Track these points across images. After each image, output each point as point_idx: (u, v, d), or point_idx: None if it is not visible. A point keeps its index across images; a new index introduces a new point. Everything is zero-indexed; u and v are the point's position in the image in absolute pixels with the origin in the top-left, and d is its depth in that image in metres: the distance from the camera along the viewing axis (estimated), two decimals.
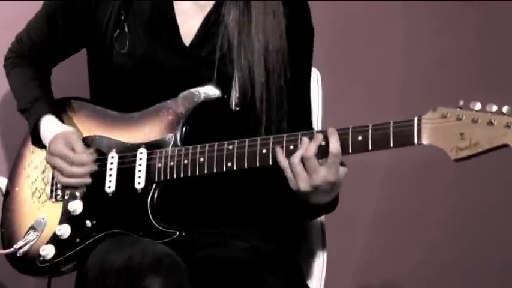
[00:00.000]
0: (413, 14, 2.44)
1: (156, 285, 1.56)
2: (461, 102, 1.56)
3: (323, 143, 1.61)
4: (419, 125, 1.57)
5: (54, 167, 1.76)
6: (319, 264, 1.88)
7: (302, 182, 1.62)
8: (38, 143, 1.81)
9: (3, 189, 1.85)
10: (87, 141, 1.78)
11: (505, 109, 1.52)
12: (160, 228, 1.70)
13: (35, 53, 1.89)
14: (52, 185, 1.80)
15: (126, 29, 1.78)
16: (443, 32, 2.47)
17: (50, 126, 1.79)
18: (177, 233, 1.68)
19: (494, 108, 1.53)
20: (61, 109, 1.84)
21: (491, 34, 2.54)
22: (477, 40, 2.52)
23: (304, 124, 1.77)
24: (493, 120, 1.52)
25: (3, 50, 1.93)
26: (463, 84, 2.46)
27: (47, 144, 1.78)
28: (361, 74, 2.39)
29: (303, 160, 1.61)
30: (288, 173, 1.62)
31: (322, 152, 1.61)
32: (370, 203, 2.35)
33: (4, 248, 1.78)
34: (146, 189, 1.72)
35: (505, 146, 1.51)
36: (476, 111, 1.54)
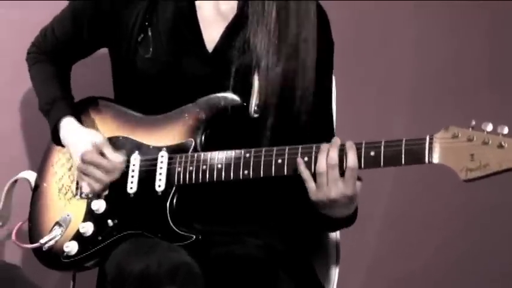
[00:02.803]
0: (423, 15, 2.39)
1: None
2: (473, 123, 1.50)
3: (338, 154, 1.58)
4: (430, 143, 1.52)
5: (87, 174, 1.71)
6: (332, 262, 1.84)
7: (321, 193, 1.57)
8: (58, 143, 1.77)
9: (32, 183, 1.82)
10: (111, 142, 1.73)
11: None
12: (178, 231, 1.66)
13: (58, 50, 1.84)
14: (77, 184, 1.76)
15: (150, 34, 1.73)
16: (453, 34, 2.41)
17: (70, 128, 1.74)
18: (194, 237, 1.65)
19: (506, 130, 1.47)
20: (85, 109, 1.80)
21: (501, 35, 2.47)
22: (487, 41, 2.46)
23: (326, 133, 1.72)
24: (503, 143, 1.46)
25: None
26: (472, 85, 2.41)
27: (66, 145, 1.74)
28: (372, 75, 2.34)
29: (327, 169, 1.56)
30: (310, 184, 1.58)
31: (339, 166, 1.57)
32: (380, 204, 2.33)
33: (30, 241, 1.76)
34: (166, 192, 1.68)
35: None
36: (487, 132, 1.49)
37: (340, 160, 1.57)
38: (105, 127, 1.76)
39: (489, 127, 1.48)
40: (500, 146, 1.46)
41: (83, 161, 1.71)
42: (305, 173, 1.59)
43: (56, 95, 1.79)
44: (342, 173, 1.57)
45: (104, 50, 1.80)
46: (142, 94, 1.75)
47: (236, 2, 1.72)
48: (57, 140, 1.76)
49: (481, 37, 2.43)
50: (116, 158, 1.70)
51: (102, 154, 1.70)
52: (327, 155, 1.57)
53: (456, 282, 2.44)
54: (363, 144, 1.57)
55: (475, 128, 1.50)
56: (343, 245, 1.84)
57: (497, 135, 1.47)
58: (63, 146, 1.77)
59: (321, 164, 1.57)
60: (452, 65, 2.40)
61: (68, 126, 1.75)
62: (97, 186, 1.71)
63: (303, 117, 1.69)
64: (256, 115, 1.68)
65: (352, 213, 1.64)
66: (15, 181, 1.82)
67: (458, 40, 2.40)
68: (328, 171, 1.56)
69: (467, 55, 2.41)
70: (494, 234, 2.47)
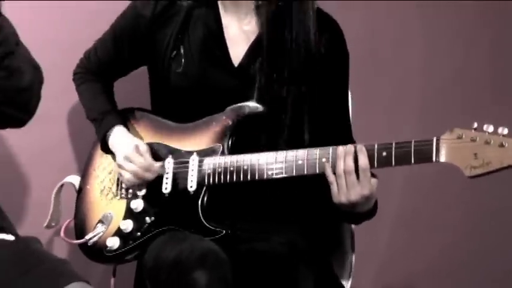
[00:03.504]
0: (431, 29, 2.36)
1: (203, 277, 1.53)
2: (475, 125, 1.50)
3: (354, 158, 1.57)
4: (437, 144, 1.52)
5: (123, 169, 1.72)
6: (348, 256, 1.82)
7: (343, 196, 1.58)
8: (106, 149, 1.78)
9: (77, 186, 1.83)
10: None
11: None
12: (209, 226, 1.66)
13: (102, 70, 1.85)
14: (117, 185, 1.77)
15: (182, 51, 1.74)
16: (458, 46, 2.38)
17: (119, 135, 1.76)
18: (223, 231, 1.65)
19: (506, 131, 1.47)
20: (126, 118, 1.81)
21: (503, 53, 2.45)
22: (489, 53, 2.42)
23: (344, 139, 1.70)
24: (504, 143, 1.46)
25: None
26: (474, 92, 2.39)
27: (114, 151, 1.75)
28: (384, 84, 2.33)
29: (345, 173, 1.57)
30: (334, 187, 1.59)
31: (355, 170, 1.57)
32: (392, 204, 2.30)
33: (76, 237, 1.77)
34: (197, 191, 1.68)
35: None
36: (489, 133, 1.49)
37: (355, 163, 1.57)
38: (143, 134, 1.77)
39: (490, 128, 1.48)
40: (501, 145, 1.46)
41: (125, 158, 1.71)
42: (331, 177, 1.59)
43: (105, 109, 1.80)
44: (357, 175, 1.57)
45: (143, 67, 1.81)
46: (175, 105, 1.75)
47: (258, 22, 1.72)
48: (105, 146, 1.77)
49: (484, 50, 2.40)
50: (149, 157, 1.69)
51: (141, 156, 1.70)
52: (344, 162, 1.57)
53: (461, 277, 2.41)
54: (376, 146, 1.57)
55: (477, 129, 1.49)
56: (357, 241, 1.82)
57: (498, 136, 1.47)
58: (109, 152, 1.77)
59: (340, 170, 1.58)
60: (457, 74, 2.37)
61: (118, 133, 1.75)
62: (134, 180, 1.70)
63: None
64: (275, 121, 1.68)
65: (373, 207, 1.63)
66: (62, 185, 1.82)
67: (463, 52, 2.38)
68: (346, 177, 1.57)
69: (470, 65, 2.38)
70: (500, 234, 2.43)
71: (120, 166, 1.73)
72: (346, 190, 1.57)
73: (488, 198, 2.33)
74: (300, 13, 1.67)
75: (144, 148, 1.72)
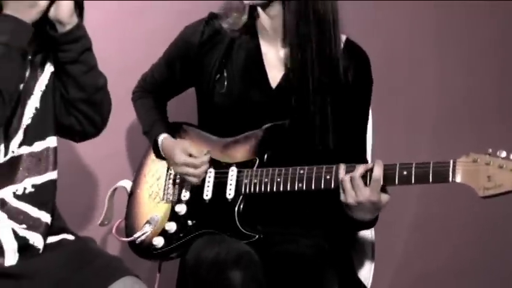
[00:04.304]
0: (444, 57, 2.35)
1: (237, 276, 1.54)
2: (490, 150, 1.49)
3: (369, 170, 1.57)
4: (454, 166, 1.51)
5: (183, 174, 1.72)
6: (369, 258, 1.81)
7: (350, 197, 1.57)
8: (159, 155, 1.78)
9: (129, 189, 1.83)
10: None
11: None
12: (244, 231, 1.66)
13: (156, 90, 1.86)
14: (164, 190, 1.77)
15: (225, 74, 1.74)
16: (469, 75, 2.37)
17: (165, 141, 1.76)
18: (257, 236, 1.65)
19: None
20: (176, 130, 1.81)
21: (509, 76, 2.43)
22: (498, 82, 2.40)
23: (359, 157, 1.70)
24: None
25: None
26: (484, 118, 2.37)
27: (167, 158, 1.76)
28: (404, 110, 2.32)
29: (351, 179, 1.56)
30: (342, 187, 1.58)
31: (370, 178, 1.57)
32: (408, 213, 2.29)
33: (126, 236, 1.77)
34: (235, 199, 1.68)
35: None
36: (502, 158, 1.47)
37: (370, 172, 1.56)
38: (196, 147, 1.75)
39: (503, 154, 1.47)
40: None
41: (176, 163, 1.71)
42: (342, 177, 1.57)
43: (155, 119, 1.81)
44: (369, 182, 1.56)
45: (191, 88, 1.82)
46: (218, 121, 1.75)
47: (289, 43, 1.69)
48: (157, 152, 1.78)
49: (493, 74, 2.38)
50: (200, 153, 1.70)
51: (190, 155, 1.71)
52: (357, 169, 1.56)
53: (471, 276, 2.39)
54: (398, 165, 1.55)
55: (491, 154, 1.48)
56: (378, 244, 1.81)
57: (510, 161, 1.46)
58: (162, 157, 1.77)
59: (354, 173, 1.56)
60: (468, 95, 2.36)
61: (165, 140, 1.76)
62: (194, 180, 1.71)
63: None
64: (308, 139, 1.67)
65: (373, 219, 1.62)
66: (115, 189, 1.83)
67: (474, 75, 2.36)
68: (352, 181, 1.55)
69: (480, 87, 2.37)
70: (505, 236, 2.41)
71: (182, 175, 1.72)
72: (354, 191, 1.55)
73: (496, 206, 2.26)
74: (326, 47, 1.67)
75: (188, 146, 1.71)
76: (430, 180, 1.52)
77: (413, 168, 1.54)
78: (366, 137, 1.78)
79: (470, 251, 2.38)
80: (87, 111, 1.50)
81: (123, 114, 1.97)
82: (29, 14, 1.40)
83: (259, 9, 1.70)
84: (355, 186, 1.56)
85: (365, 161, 1.72)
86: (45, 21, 1.44)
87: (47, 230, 1.48)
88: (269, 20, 1.71)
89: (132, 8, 2.07)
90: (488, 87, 2.38)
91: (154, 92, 1.86)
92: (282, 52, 1.74)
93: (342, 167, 1.59)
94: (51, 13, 1.43)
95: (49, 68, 1.50)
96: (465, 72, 2.36)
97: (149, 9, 2.08)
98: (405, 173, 1.54)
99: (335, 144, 1.70)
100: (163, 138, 1.76)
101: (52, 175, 1.50)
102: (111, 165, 2.08)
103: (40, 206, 1.47)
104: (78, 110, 1.49)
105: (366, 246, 1.81)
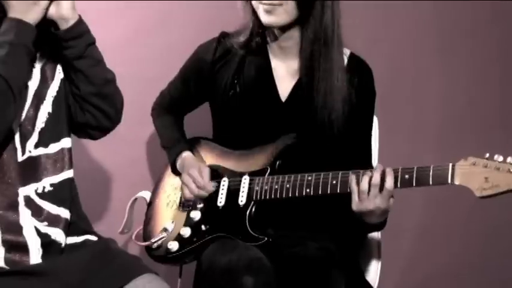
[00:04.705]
0: (447, 68, 2.35)
1: (249, 281, 1.54)
2: (487, 154, 1.49)
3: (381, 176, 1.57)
4: (453, 169, 1.51)
5: (185, 184, 1.74)
6: (375, 261, 1.80)
7: (362, 205, 1.57)
8: (175, 170, 1.80)
9: (148, 199, 1.85)
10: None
11: None
12: (254, 234, 1.66)
13: (173, 105, 1.88)
14: (180, 199, 1.78)
15: (238, 89, 1.76)
16: (471, 85, 2.37)
17: (186, 159, 1.79)
18: (265, 238, 1.65)
19: None
20: (193, 144, 1.83)
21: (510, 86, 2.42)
22: (499, 91, 2.40)
23: (364, 162, 1.70)
24: (511, 170, 1.45)
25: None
26: (486, 126, 2.37)
27: (181, 172, 1.77)
28: (406, 118, 2.32)
29: (369, 187, 1.56)
30: (355, 197, 1.58)
31: (382, 187, 1.57)
32: (413, 218, 2.29)
33: (145, 240, 1.78)
34: (246, 205, 1.69)
35: None
36: (499, 162, 1.47)
37: (381, 181, 1.56)
38: (205, 157, 1.79)
39: (500, 158, 1.47)
40: (509, 172, 1.45)
41: (188, 173, 1.73)
42: (355, 189, 1.58)
43: (176, 137, 1.83)
44: (381, 190, 1.56)
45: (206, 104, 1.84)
46: (233, 133, 1.76)
47: (302, 63, 1.73)
48: (174, 168, 1.79)
49: (495, 84, 2.38)
50: (206, 180, 1.71)
51: (201, 176, 1.72)
52: (371, 177, 1.57)
53: (472, 278, 2.37)
54: (400, 169, 1.56)
55: (489, 158, 1.48)
56: (382, 248, 1.80)
57: (506, 163, 1.46)
58: (177, 173, 1.78)
59: (365, 184, 1.57)
60: (470, 104, 2.36)
61: (185, 158, 1.77)
62: (188, 195, 1.73)
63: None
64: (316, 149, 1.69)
65: (382, 222, 1.63)
66: (136, 199, 1.84)
67: (476, 89, 2.36)
68: (370, 189, 1.56)
69: (482, 97, 2.36)
70: (505, 240, 2.39)
71: (183, 182, 1.75)
72: (366, 200, 1.56)
73: (498, 211, 2.27)
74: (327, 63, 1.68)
75: (205, 171, 1.73)
76: (430, 182, 1.52)
77: (414, 172, 1.54)
78: (371, 144, 1.78)
79: (473, 254, 2.36)
80: (100, 104, 1.49)
81: (143, 126, 2.01)
82: (31, 14, 1.41)
83: (276, 31, 1.71)
84: (371, 194, 1.56)
85: (370, 167, 1.71)
86: (48, 24, 1.44)
87: (67, 226, 1.49)
88: (284, 39, 1.72)
89: (149, 25, 2.10)
90: (490, 97, 2.37)
91: (171, 108, 1.88)
92: (290, 66, 1.75)
93: (353, 178, 1.59)
94: (53, 11, 1.43)
95: (59, 76, 1.51)
96: (468, 82, 2.36)
97: (166, 26, 2.10)
98: (407, 176, 1.55)
99: (342, 152, 1.70)
100: (185, 155, 1.78)
101: (68, 174, 1.51)
102: (132, 173, 2.10)
103: (59, 203, 1.48)
104: (91, 104, 1.49)
105: (373, 248, 1.80)
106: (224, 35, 1.79)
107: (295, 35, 1.71)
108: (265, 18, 1.68)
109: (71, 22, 1.44)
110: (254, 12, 1.71)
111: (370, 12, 2.24)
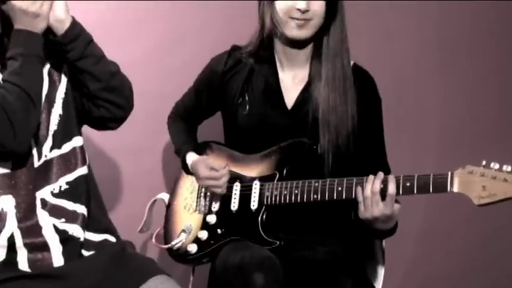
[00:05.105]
0: (448, 80, 2.35)
1: (260, 278, 1.56)
2: (484, 162, 1.48)
3: (382, 185, 1.57)
4: (451, 178, 1.51)
5: (207, 186, 1.75)
6: (379, 264, 1.80)
7: (368, 212, 1.58)
8: (187, 171, 1.81)
9: (166, 201, 1.86)
10: None
11: None
12: (267, 238, 1.68)
13: (187, 114, 1.90)
14: (196, 202, 1.80)
15: (247, 98, 1.77)
16: (469, 97, 2.37)
17: (192, 159, 1.79)
18: (278, 242, 1.67)
19: (509, 168, 1.45)
20: (205, 148, 1.84)
21: (509, 98, 2.42)
22: (497, 102, 2.40)
23: (382, 167, 1.68)
24: (507, 178, 1.45)
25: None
26: (484, 135, 2.37)
27: (194, 173, 1.78)
28: (408, 128, 2.32)
29: (372, 194, 1.56)
30: (361, 206, 1.59)
31: (382, 192, 1.57)
32: (414, 224, 2.30)
33: (165, 243, 1.80)
34: (258, 209, 1.70)
35: None
36: (495, 170, 1.46)
37: (383, 188, 1.56)
38: (216, 161, 1.78)
39: (496, 166, 1.46)
40: (505, 180, 1.44)
41: (200, 178, 1.74)
42: (360, 198, 1.59)
43: (184, 140, 1.84)
44: (384, 197, 1.57)
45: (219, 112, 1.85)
46: (243, 140, 1.77)
47: (307, 72, 1.75)
48: (185, 169, 1.80)
49: (493, 95, 2.38)
50: (220, 166, 1.72)
51: (211, 169, 1.73)
52: (372, 185, 1.58)
53: (470, 281, 2.38)
54: (401, 177, 1.56)
55: (485, 166, 1.47)
56: (386, 253, 1.80)
57: (502, 172, 1.45)
58: (190, 173, 1.78)
59: (367, 191, 1.58)
60: (469, 115, 2.36)
61: (192, 157, 1.79)
62: (218, 190, 1.73)
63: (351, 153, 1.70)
64: (322, 153, 1.69)
65: (393, 227, 1.62)
66: (155, 200, 1.86)
67: (474, 101, 2.36)
68: (372, 196, 1.57)
69: (481, 108, 2.37)
70: (503, 246, 2.40)
71: (206, 186, 1.74)
72: (370, 207, 1.57)
73: (496, 216, 2.27)
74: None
75: (208, 160, 1.73)
76: (431, 190, 1.52)
77: (415, 180, 1.54)
78: (384, 146, 1.76)
79: (471, 257, 2.36)
80: (110, 97, 1.46)
81: (161, 136, 2.03)
82: (36, 24, 1.40)
83: (290, 42, 1.72)
84: (373, 202, 1.56)
85: (386, 167, 1.71)
86: (45, 32, 1.43)
87: (85, 221, 1.49)
88: (296, 50, 1.73)
89: (166, 43, 2.13)
90: (488, 107, 2.37)
91: (185, 116, 1.89)
92: (296, 75, 1.76)
93: (359, 190, 1.59)
94: (50, 17, 1.41)
95: (65, 77, 1.49)
96: (467, 94, 2.36)
97: (182, 44, 2.13)
98: (408, 184, 1.55)
99: (356, 156, 1.70)
100: (190, 156, 1.79)
101: (82, 171, 1.49)
102: (150, 180, 2.13)
103: (75, 200, 1.47)
104: (102, 99, 1.46)
105: (377, 252, 1.80)
106: (235, 48, 1.80)
107: (309, 46, 1.72)
108: (294, 33, 1.69)
109: (67, 24, 1.42)
110: (263, 25, 1.72)
111: (372, 25, 2.25)
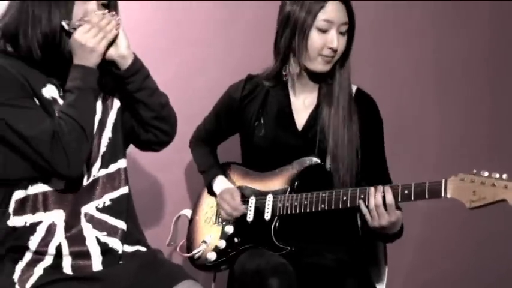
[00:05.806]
0: (444, 99, 2.40)
1: (275, 282, 1.57)
2: (475, 171, 1.51)
3: (382, 197, 1.60)
4: (445, 184, 1.53)
5: (221, 207, 1.79)
6: (383, 267, 1.81)
7: (375, 223, 1.60)
8: (211, 191, 1.86)
9: (189, 216, 1.90)
10: (239, 189, 1.81)
11: (504, 176, 1.47)
12: (279, 245, 1.70)
13: (208, 137, 1.94)
14: (216, 216, 1.83)
15: (262, 121, 1.81)
16: (466, 113, 2.40)
17: (221, 183, 1.84)
18: (288, 248, 1.69)
19: (497, 175, 1.48)
20: (224, 168, 1.88)
21: (502, 120, 2.45)
22: (489, 116, 2.44)
23: (384, 180, 1.72)
24: (495, 183, 1.47)
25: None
26: (477, 146, 2.40)
27: (217, 193, 1.83)
28: (407, 143, 2.37)
29: (376, 207, 1.59)
30: (367, 217, 1.61)
31: (384, 203, 1.60)
32: (414, 230, 2.29)
33: (187, 252, 1.83)
34: (271, 219, 1.73)
35: (504, 200, 1.47)
36: (484, 176, 1.49)
37: (383, 199, 1.59)
38: (235, 179, 1.84)
39: (486, 173, 1.49)
40: (493, 185, 1.47)
41: (222, 198, 1.79)
42: (364, 210, 1.62)
43: (211, 163, 1.87)
44: (386, 207, 1.59)
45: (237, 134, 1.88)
46: (258, 158, 1.81)
47: (316, 96, 1.79)
48: (210, 190, 1.84)
49: (486, 110, 2.42)
50: (238, 202, 1.76)
51: (233, 199, 1.77)
52: (374, 198, 1.60)
53: (469, 284, 2.37)
54: (400, 186, 1.59)
55: (476, 174, 1.50)
56: (389, 257, 1.81)
57: (491, 178, 1.48)
58: (213, 194, 1.83)
59: (371, 204, 1.60)
60: (465, 138, 2.39)
61: (219, 181, 1.83)
62: (225, 215, 1.78)
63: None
64: (329, 170, 1.73)
65: (400, 229, 1.65)
66: (179, 216, 1.89)
67: (467, 116, 2.39)
68: (376, 209, 1.59)
69: (472, 130, 2.39)
70: (496, 249, 2.39)
71: (219, 205, 1.80)
72: (377, 218, 1.59)
73: (486, 222, 2.27)
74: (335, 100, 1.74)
75: (236, 194, 1.77)
76: (427, 196, 1.54)
77: (412, 187, 1.57)
78: (386, 161, 1.78)
79: (468, 260, 2.35)
80: (159, 125, 1.53)
81: (184, 155, 2.06)
82: (90, 58, 1.45)
83: (304, 72, 1.75)
84: (379, 213, 1.59)
85: (389, 181, 1.74)
86: (108, 65, 1.49)
87: (124, 235, 1.52)
88: (308, 80, 1.77)
89: (190, 69, 2.19)
90: (482, 127, 2.40)
91: (206, 139, 1.93)
92: (306, 99, 1.80)
93: (361, 202, 1.61)
94: (113, 52, 1.47)
95: (116, 103, 1.55)
96: (462, 113, 2.39)
97: (204, 70, 2.20)
98: (406, 191, 1.57)
99: (360, 170, 1.72)
100: (220, 179, 1.83)
101: (124, 190, 1.54)
102: (175, 194, 2.19)
103: (116, 216, 1.51)
104: (152, 126, 1.52)
105: (381, 258, 1.81)
106: (251, 77, 1.84)
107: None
108: (322, 67, 1.71)
109: (129, 60, 1.47)
110: (284, 57, 1.75)
111: (374, 53, 2.31)
